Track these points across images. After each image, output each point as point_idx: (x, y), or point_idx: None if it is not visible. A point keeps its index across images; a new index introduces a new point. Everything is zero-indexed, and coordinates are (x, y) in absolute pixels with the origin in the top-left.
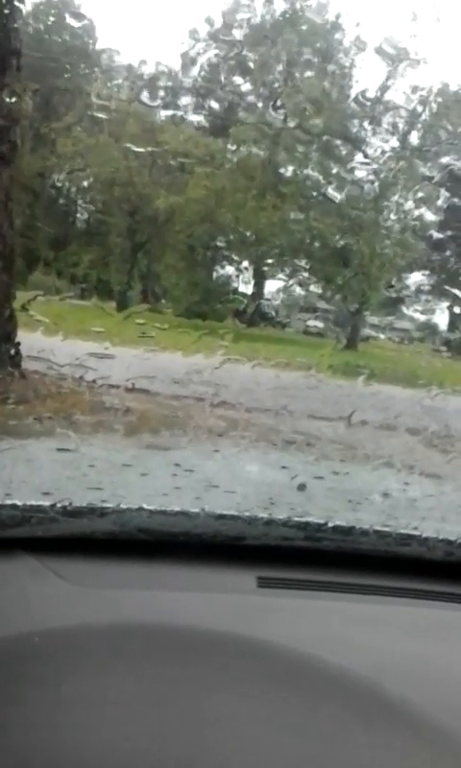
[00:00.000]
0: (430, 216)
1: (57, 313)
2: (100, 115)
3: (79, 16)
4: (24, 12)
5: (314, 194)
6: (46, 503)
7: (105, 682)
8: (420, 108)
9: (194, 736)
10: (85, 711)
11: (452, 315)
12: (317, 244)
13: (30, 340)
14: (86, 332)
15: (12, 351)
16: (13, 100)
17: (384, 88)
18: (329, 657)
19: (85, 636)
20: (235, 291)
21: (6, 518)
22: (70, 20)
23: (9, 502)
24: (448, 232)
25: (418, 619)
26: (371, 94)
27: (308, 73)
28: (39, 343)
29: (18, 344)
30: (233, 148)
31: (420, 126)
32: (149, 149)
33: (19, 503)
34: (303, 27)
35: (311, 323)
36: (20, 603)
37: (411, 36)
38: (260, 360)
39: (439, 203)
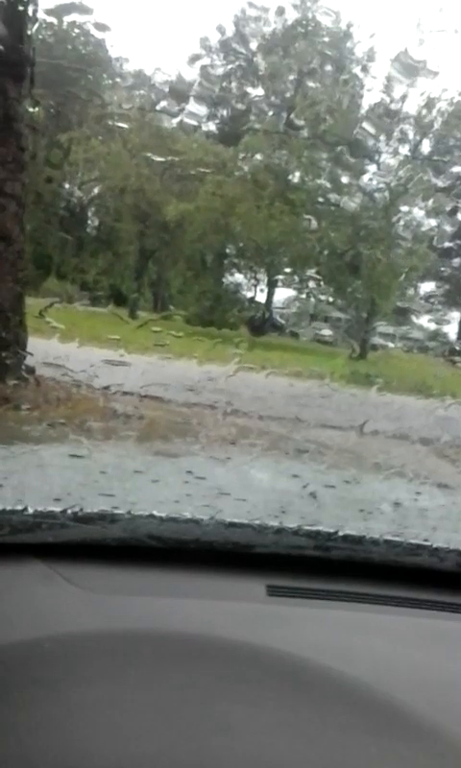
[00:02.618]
0: (445, 226)
1: (72, 320)
2: (121, 125)
3: (102, 27)
4: (47, 20)
5: (321, 201)
6: (57, 509)
7: (114, 688)
8: (431, 118)
9: (202, 744)
10: (95, 717)
11: None
12: (326, 252)
13: (46, 346)
14: (101, 339)
15: (26, 358)
16: (32, 109)
17: (402, 99)
18: (338, 666)
19: (95, 642)
20: (252, 300)
21: (17, 524)
22: (94, 31)
23: (20, 508)
24: (458, 241)
25: (428, 629)
26: (381, 103)
27: (319, 84)
28: (55, 349)
29: (20, 354)
30: (244, 156)
31: (431, 135)
32: (169, 158)
33: (30, 509)
34: (316, 37)
35: (324, 331)
36: (31, 608)
37: (427, 46)
38: (273, 369)
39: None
